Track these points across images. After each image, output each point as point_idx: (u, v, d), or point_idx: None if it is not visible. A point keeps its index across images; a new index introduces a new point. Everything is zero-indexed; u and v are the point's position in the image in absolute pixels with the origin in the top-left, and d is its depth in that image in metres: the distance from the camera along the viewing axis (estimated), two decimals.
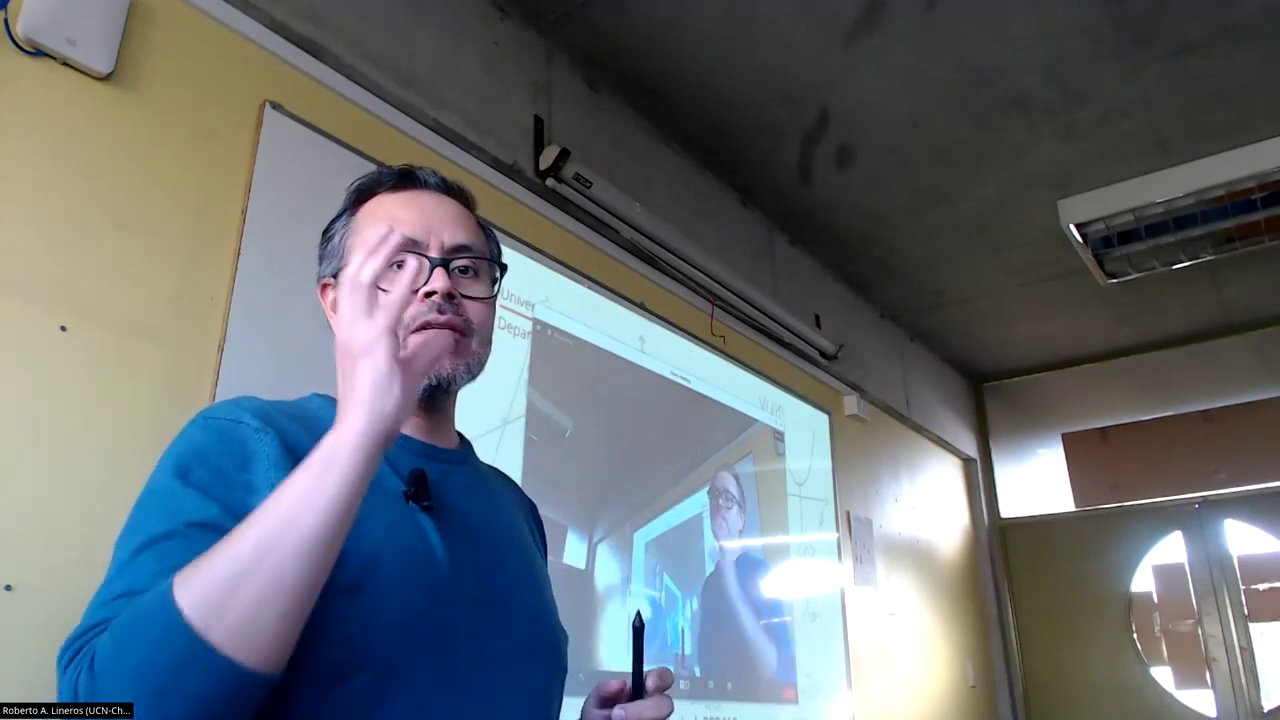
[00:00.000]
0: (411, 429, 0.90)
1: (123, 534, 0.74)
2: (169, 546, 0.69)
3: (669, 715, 0.86)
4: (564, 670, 0.93)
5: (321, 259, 0.95)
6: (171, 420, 1.42)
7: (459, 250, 0.90)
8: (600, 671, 2.16)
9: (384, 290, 0.83)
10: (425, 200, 0.92)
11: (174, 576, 0.62)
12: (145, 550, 0.70)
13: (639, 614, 0.86)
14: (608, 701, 0.88)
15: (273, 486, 0.74)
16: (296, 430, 0.81)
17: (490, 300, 0.93)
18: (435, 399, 0.90)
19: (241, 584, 0.61)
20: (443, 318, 0.86)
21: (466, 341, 0.88)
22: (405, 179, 0.94)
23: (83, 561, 1.29)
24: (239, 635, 0.60)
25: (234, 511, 0.72)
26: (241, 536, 0.63)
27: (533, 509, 1.09)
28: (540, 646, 0.90)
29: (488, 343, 0.93)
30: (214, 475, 0.75)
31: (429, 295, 0.86)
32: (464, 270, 0.91)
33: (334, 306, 0.94)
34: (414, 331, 0.85)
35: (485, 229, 0.98)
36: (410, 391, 0.69)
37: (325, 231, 0.96)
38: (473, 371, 0.90)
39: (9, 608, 1.21)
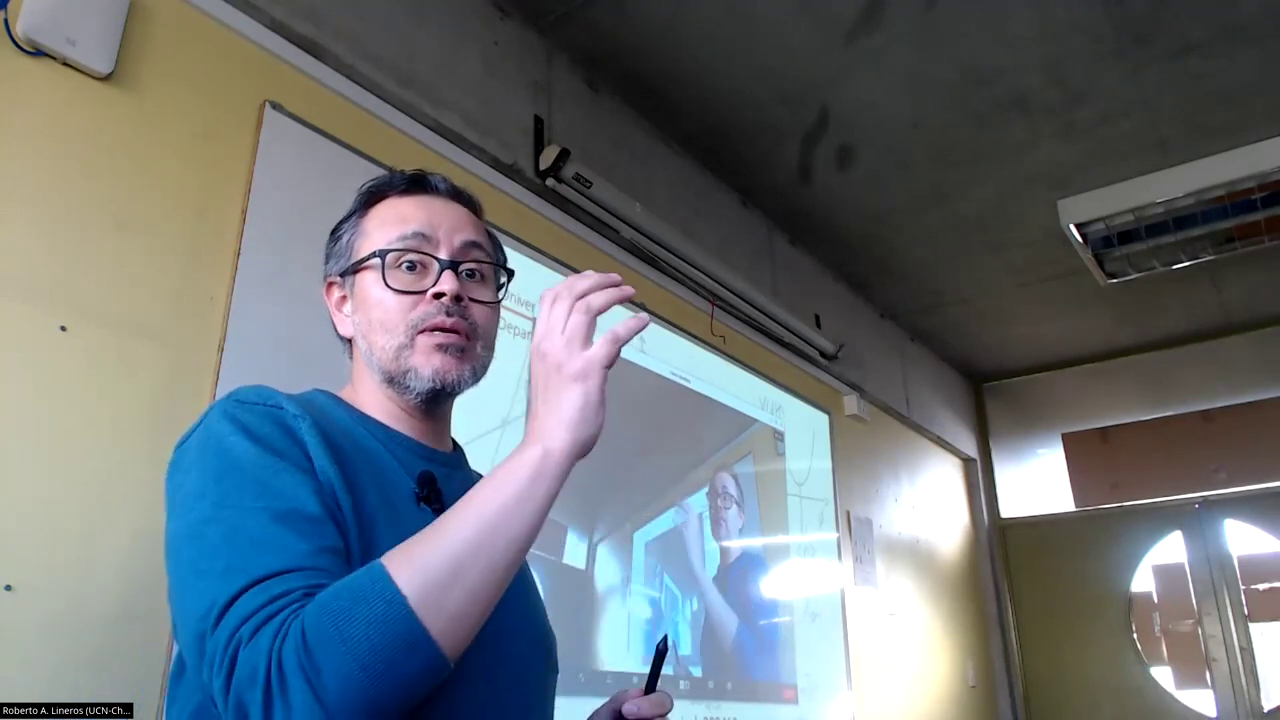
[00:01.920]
0: (412, 431, 0.91)
1: (205, 503, 0.71)
2: (309, 528, 0.70)
3: None
4: (556, 670, 0.94)
5: (328, 257, 0.96)
6: (171, 420, 1.43)
7: (468, 251, 0.91)
8: (599, 671, 2.16)
9: (397, 291, 0.87)
10: (435, 203, 0.93)
11: (384, 562, 0.64)
12: (276, 522, 0.69)
13: (666, 638, 0.89)
14: (620, 714, 0.91)
15: (323, 472, 0.75)
16: (320, 419, 0.82)
17: (495, 304, 0.94)
18: (438, 402, 0.90)
19: (458, 579, 0.64)
20: (449, 320, 0.87)
21: (472, 346, 0.89)
22: (416, 183, 0.94)
23: (83, 561, 1.29)
24: (451, 628, 0.63)
25: (333, 492, 0.74)
26: (455, 534, 0.66)
27: None
28: (537, 646, 0.91)
29: (491, 346, 0.93)
30: (290, 455, 0.75)
31: (437, 296, 0.87)
32: (471, 274, 0.91)
33: (339, 305, 0.94)
34: (420, 332, 0.86)
35: (491, 236, 0.99)
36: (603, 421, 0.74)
37: (334, 231, 0.97)
38: (477, 375, 0.90)
39: (9, 608, 1.21)
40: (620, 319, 0.77)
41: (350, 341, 0.94)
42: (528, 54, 2.42)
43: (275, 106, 1.71)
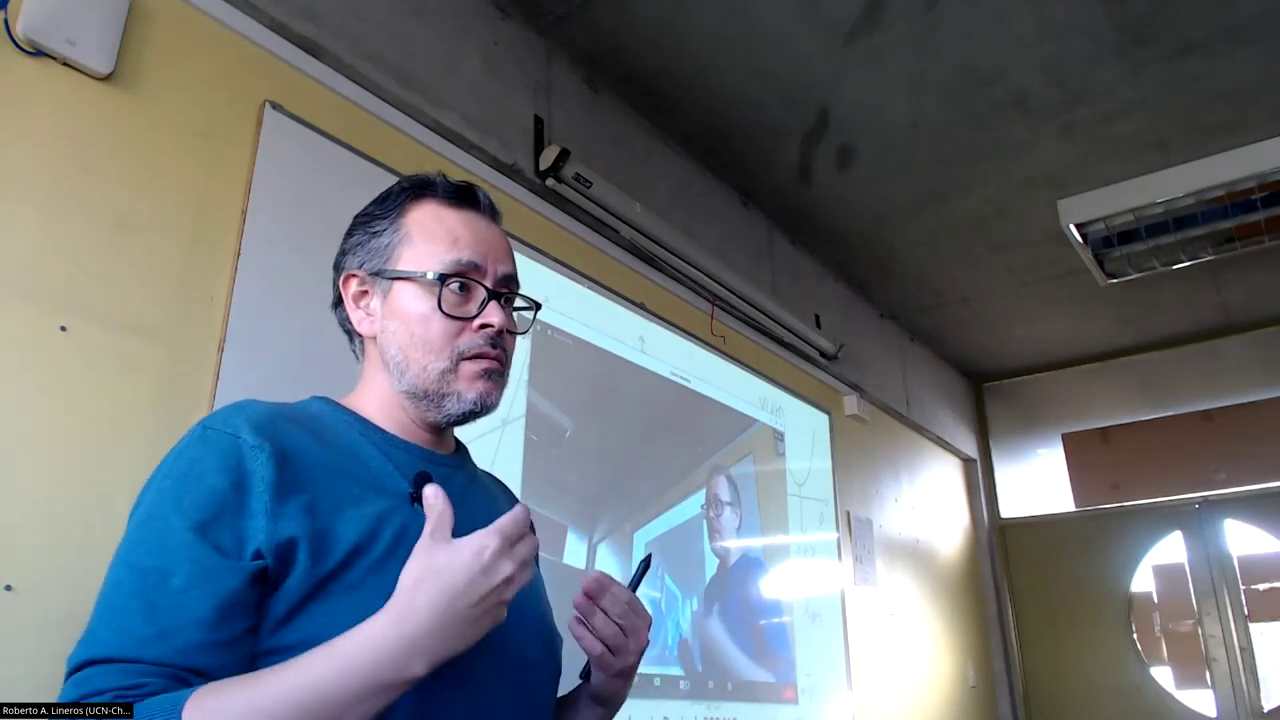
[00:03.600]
0: (414, 437, 0.91)
1: (124, 543, 0.75)
2: (171, 601, 0.70)
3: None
4: (559, 670, 0.94)
5: (354, 248, 0.94)
6: (171, 420, 1.43)
7: (509, 282, 0.93)
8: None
9: (449, 316, 0.88)
10: (481, 225, 0.94)
11: (189, 703, 0.64)
12: (144, 597, 0.71)
13: (650, 555, 0.95)
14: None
15: (265, 511, 0.75)
16: (298, 435, 0.81)
17: (519, 334, 0.96)
18: (465, 421, 0.92)
19: None
20: (494, 351, 0.89)
21: (506, 373, 0.92)
22: (464, 197, 0.94)
23: (83, 562, 1.29)
24: None
25: (240, 554, 0.74)
26: (267, 693, 0.65)
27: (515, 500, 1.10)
28: (539, 645, 0.90)
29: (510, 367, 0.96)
30: (219, 498, 0.75)
31: (484, 326, 0.88)
32: (508, 301, 0.93)
33: (358, 299, 0.93)
34: (468, 359, 0.88)
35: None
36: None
37: (366, 224, 0.94)
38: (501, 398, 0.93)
39: (9, 608, 1.21)
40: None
41: (361, 338, 0.94)
42: (528, 54, 2.42)
43: (275, 106, 1.71)
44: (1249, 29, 2.44)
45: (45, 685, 1.22)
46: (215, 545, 0.73)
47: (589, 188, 2.38)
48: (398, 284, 0.89)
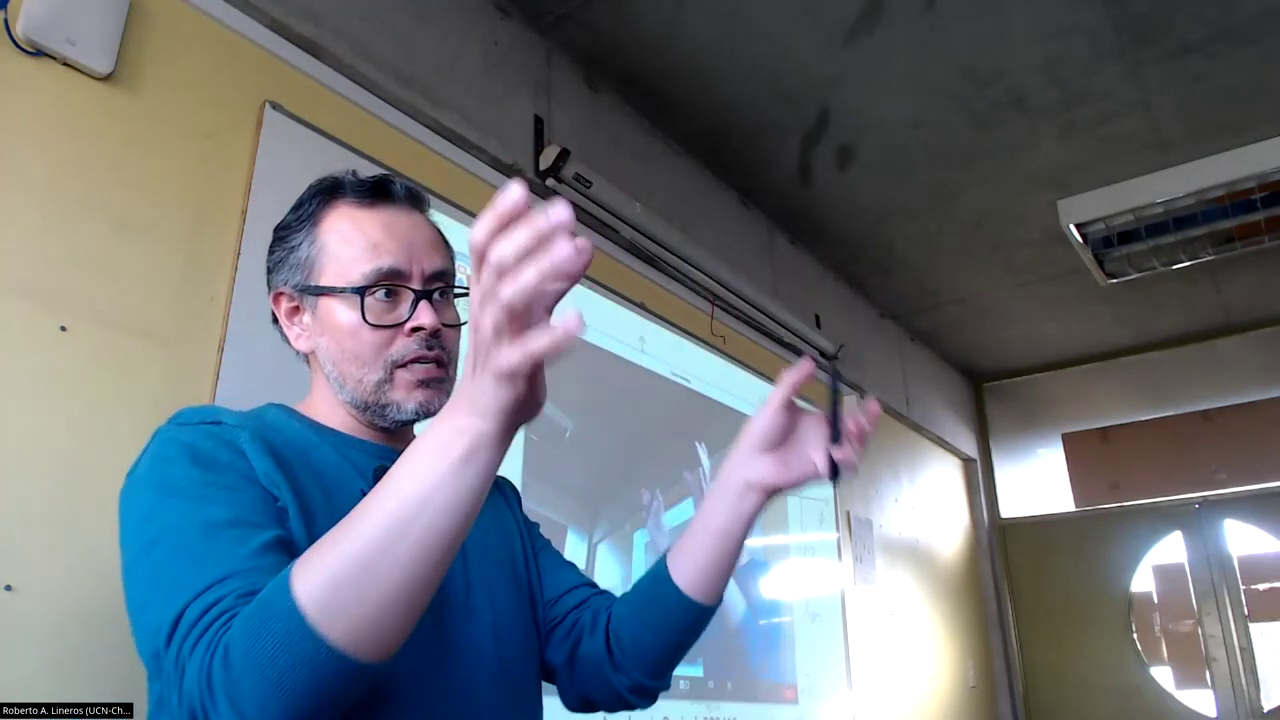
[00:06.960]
0: (372, 439, 0.89)
1: (153, 526, 0.71)
2: (246, 533, 0.69)
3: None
4: (539, 667, 0.93)
5: (278, 265, 0.91)
6: None
7: (437, 278, 0.89)
8: None
9: (375, 326, 0.84)
10: (401, 222, 0.89)
11: (292, 566, 0.60)
12: (218, 533, 0.68)
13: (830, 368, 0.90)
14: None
15: (265, 476, 0.75)
16: (262, 431, 0.81)
17: (461, 325, 0.92)
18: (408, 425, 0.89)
19: (367, 583, 0.58)
20: (431, 354, 0.86)
21: (448, 376, 0.88)
22: (377, 193, 0.90)
23: (83, 562, 1.30)
24: (360, 634, 0.58)
25: (277, 493, 0.73)
26: (361, 531, 0.59)
27: (513, 488, 1.08)
28: (514, 644, 0.90)
29: (459, 363, 0.91)
30: (233, 466, 0.75)
31: (416, 330, 0.85)
32: (443, 295, 0.90)
33: (290, 315, 0.91)
34: (401, 367, 0.85)
35: (444, 241, 0.95)
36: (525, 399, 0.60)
37: (282, 236, 0.92)
38: (450, 395, 0.88)
39: (9, 608, 1.21)
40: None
41: (305, 354, 0.92)
42: (528, 54, 2.42)
43: (275, 106, 1.71)
44: (1249, 29, 2.44)
45: (45, 685, 1.22)
46: (264, 492, 0.73)
47: (589, 188, 2.38)
48: (323, 299, 0.87)
